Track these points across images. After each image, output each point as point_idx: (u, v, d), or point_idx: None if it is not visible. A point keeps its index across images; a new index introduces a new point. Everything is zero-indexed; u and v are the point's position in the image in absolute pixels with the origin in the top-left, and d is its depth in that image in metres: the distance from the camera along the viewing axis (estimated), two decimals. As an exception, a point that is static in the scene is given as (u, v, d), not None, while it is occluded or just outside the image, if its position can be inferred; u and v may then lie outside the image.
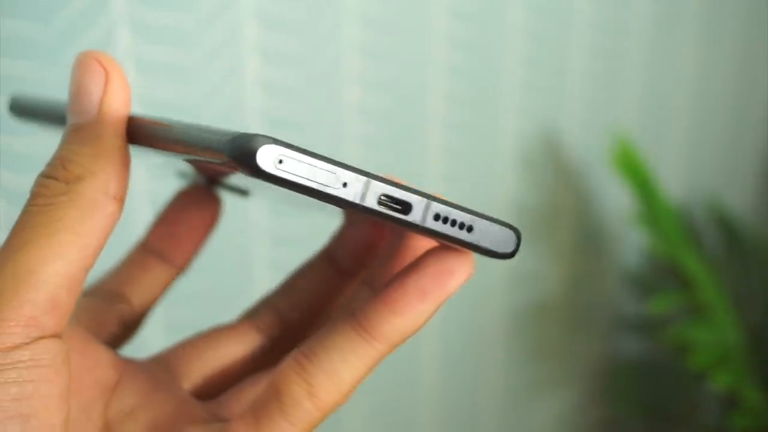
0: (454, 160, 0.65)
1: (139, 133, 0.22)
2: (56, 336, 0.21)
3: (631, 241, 0.84)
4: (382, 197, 0.20)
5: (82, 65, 0.23)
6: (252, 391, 0.26)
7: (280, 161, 0.18)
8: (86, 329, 0.27)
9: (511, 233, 0.22)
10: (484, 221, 0.22)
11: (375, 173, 0.20)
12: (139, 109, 0.28)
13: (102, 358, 0.26)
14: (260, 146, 0.18)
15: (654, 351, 0.88)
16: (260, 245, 0.56)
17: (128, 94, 0.23)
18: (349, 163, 0.20)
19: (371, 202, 0.20)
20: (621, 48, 0.76)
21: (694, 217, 0.87)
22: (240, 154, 0.18)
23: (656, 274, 0.84)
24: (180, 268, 0.29)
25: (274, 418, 0.22)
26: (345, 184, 0.19)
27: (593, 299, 0.85)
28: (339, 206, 0.20)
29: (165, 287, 0.29)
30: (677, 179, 0.87)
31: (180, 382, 0.27)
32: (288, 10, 0.52)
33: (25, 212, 0.22)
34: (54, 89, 0.44)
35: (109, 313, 0.28)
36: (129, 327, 0.28)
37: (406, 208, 0.20)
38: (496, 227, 0.22)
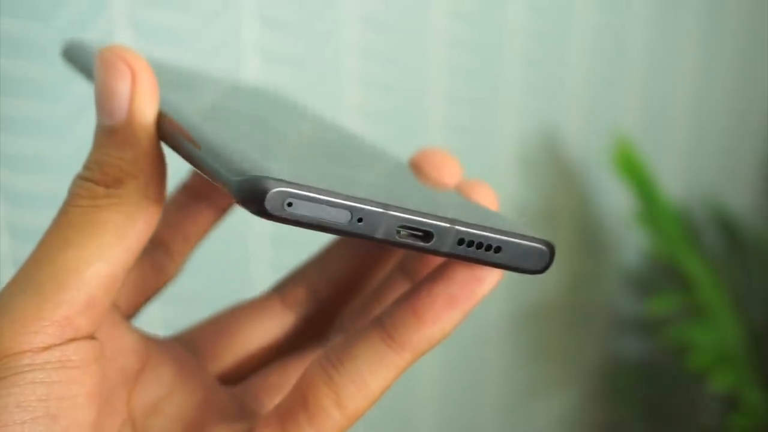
0: (454, 160, 0.65)
1: (167, 135, 0.22)
2: (89, 337, 0.21)
3: (631, 241, 0.84)
4: (401, 227, 0.19)
5: (106, 64, 0.21)
6: (279, 379, 0.26)
7: (289, 204, 0.17)
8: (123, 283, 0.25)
9: (542, 248, 0.21)
10: (513, 239, 0.20)
11: (392, 202, 0.19)
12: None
13: (126, 343, 0.25)
14: (267, 191, 0.17)
15: (654, 351, 0.87)
16: (259, 245, 0.56)
17: (157, 91, 0.22)
18: (362, 195, 0.18)
19: (390, 234, 0.19)
20: (621, 48, 0.76)
21: (694, 217, 0.87)
22: (247, 197, 0.17)
23: (656, 274, 0.84)
24: (222, 211, 0.28)
25: (302, 426, 0.22)
26: (360, 219, 0.18)
27: (593, 299, 0.85)
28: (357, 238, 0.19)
29: (205, 232, 0.28)
30: (677, 179, 0.87)
31: (206, 366, 0.26)
32: (288, 11, 0.52)
33: (65, 212, 0.21)
34: (53, 88, 0.44)
35: (144, 260, 0.27)
36: (164, 275, 0.27)
37: (427, 235, 0.19)
38: (526, 244, 0.21)
